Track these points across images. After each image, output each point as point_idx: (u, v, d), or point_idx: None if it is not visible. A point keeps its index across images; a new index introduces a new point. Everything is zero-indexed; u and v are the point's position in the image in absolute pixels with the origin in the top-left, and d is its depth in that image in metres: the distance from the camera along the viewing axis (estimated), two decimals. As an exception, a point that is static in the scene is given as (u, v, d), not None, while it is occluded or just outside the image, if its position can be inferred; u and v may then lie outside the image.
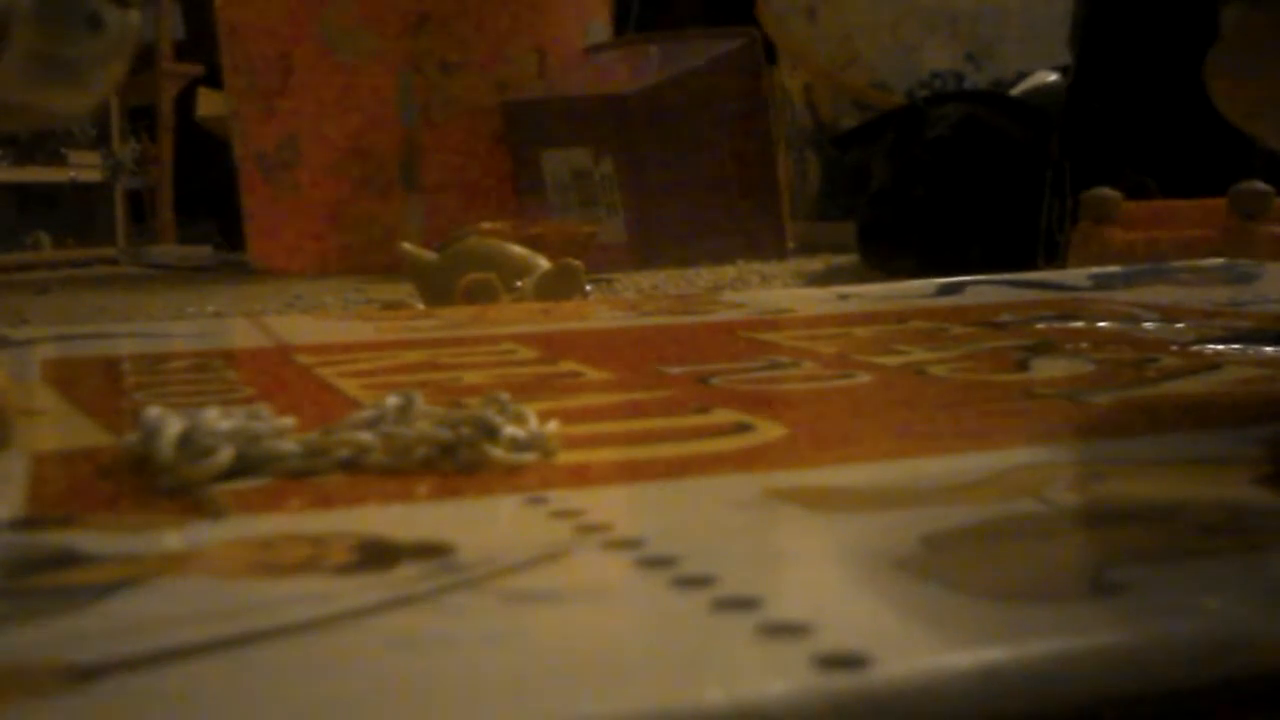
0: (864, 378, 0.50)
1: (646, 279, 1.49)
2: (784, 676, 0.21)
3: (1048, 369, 0.51)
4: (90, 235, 3.36)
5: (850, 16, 2.23)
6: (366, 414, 0.39)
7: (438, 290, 1.03)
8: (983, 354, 0.56)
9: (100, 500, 0.35)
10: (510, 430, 0.38)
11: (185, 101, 3.14)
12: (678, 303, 0.96)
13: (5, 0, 0.34)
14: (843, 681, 0.21)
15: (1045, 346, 0.57)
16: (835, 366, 0.54)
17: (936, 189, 1.60)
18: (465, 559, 0.28)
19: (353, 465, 0.37)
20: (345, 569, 0.28)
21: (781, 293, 1.09)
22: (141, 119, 3.39)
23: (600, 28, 2.12)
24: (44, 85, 0.36)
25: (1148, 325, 0.63)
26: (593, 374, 0.56)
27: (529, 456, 0.37)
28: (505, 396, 0.40)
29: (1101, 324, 0.65)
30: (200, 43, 2.92)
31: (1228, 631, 0.23)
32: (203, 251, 2.73)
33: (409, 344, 0.69)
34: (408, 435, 0.37)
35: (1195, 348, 0.55)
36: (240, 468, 0.36)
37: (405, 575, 0.27)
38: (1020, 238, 1.53)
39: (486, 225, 1.40)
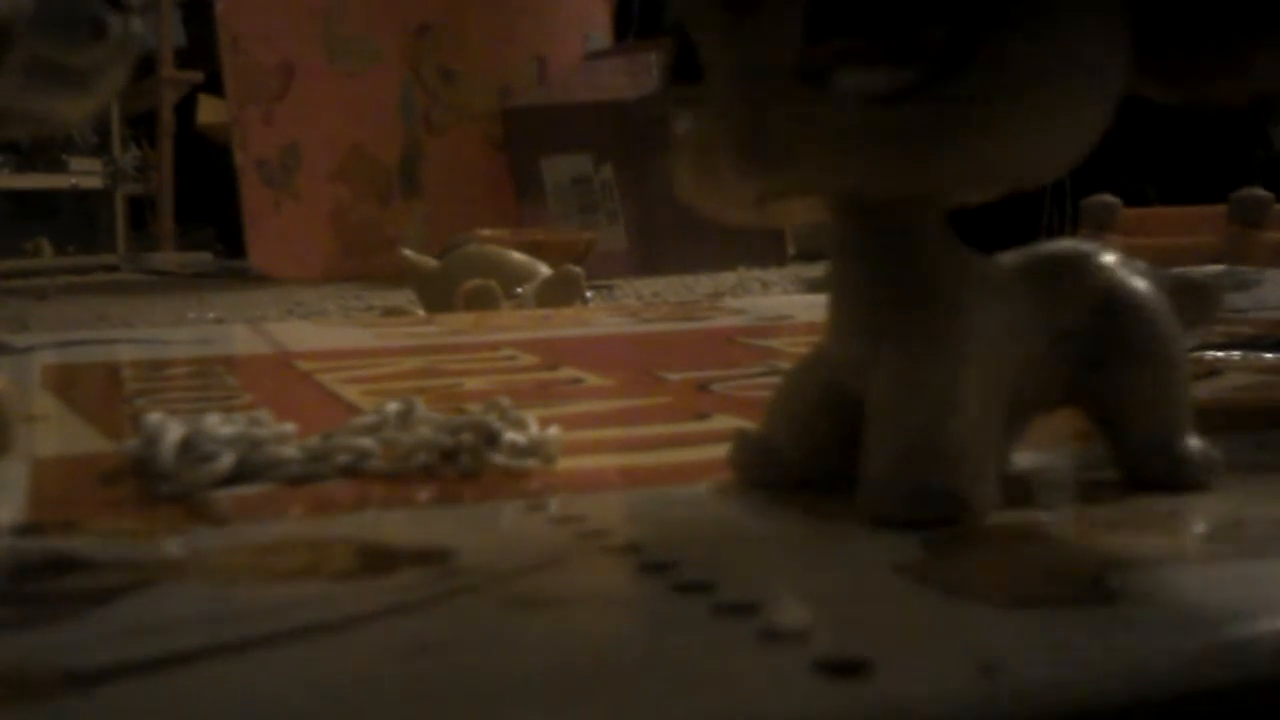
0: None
1: (647, 285, 1.49)
2: (784, 682, 0.21)
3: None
4: (91, 242, 3.36)
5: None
6: (367, 420, 0.39)
7: (438, 297, 1.03)
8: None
9: (101, 506, 0.35)
10: (510, 436, 0.38)
11: (186, 108, 3.14)
12: (678, 309, 0.97)
13: (7, 6, 0.34)
14: (843, 687, 0.21)
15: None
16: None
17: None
18: (466, 564, 0.28)
19: (353, 471, 0.37)
20: (346, 574, 0.28)
21: (781, 299, 1.09)
22: (142, 126, 3.39)
23: (600, 35, 2.12)
24: (46, 91, 0.36)
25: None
26: (593, 380, 0.56)
27: (529, 462, 0.37)
28: (506, 402, 0.40)
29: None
30: (201, 50, 2.92)
31: (1226, 638, 0.23)
32: (203, 258, 2.73)
33: (409, 350, 0.69)
34: (408, 441, 0.37)
35: (1195, 354, 0.55)
36: (241, 473, 0.36)
37: (406, 581, 0.27)
38: (1020, 245, 1.53)
39: (487, 232, 1.40)
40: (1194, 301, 0.37)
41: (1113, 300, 0.33)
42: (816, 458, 0.33)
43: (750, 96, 0.29)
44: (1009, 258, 0.33)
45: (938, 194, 0.31)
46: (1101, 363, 0.33)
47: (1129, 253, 0.35)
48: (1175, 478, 0.33)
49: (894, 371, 0.31)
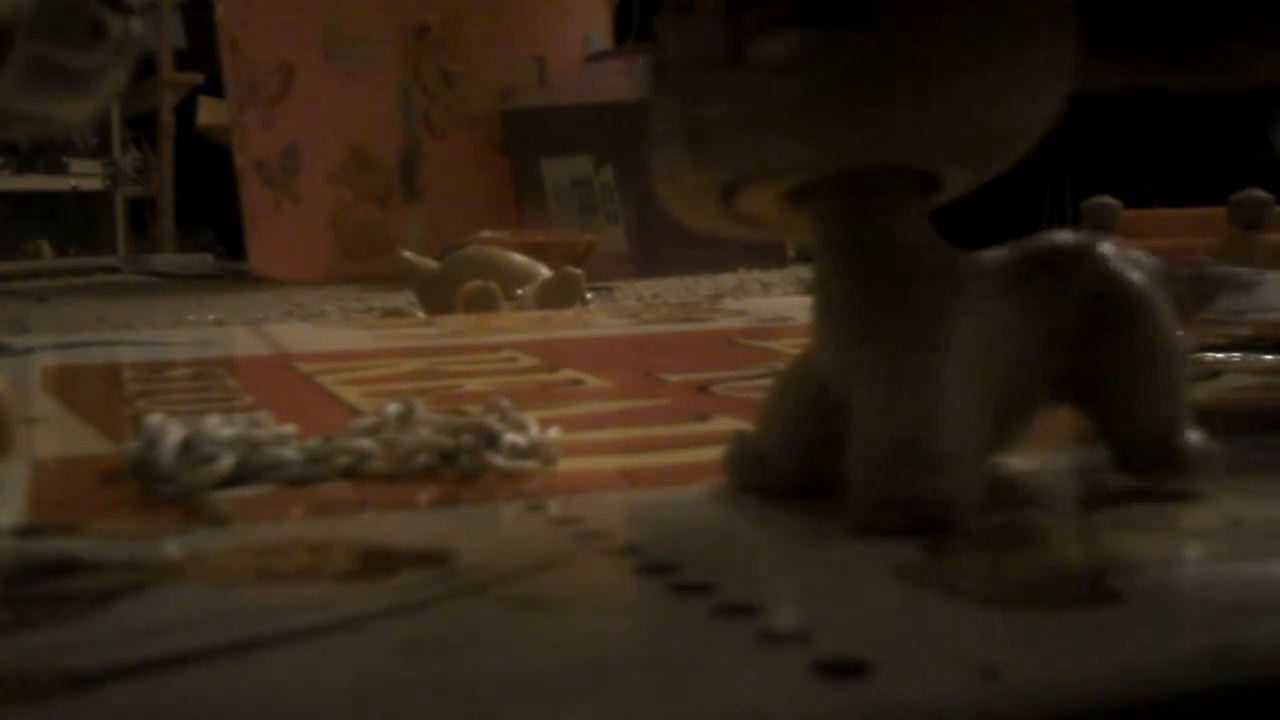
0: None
1: (647, 287, 1.49)
2: (783, 683, 0.21)
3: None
4: (91, 243, 3.36)
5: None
6: (367, 421, 0.39)
7: (438, 298, 1.03)
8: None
9: (101, 507, 0.35)
10: (511, 437, 0.38)
11: (186, 110, 3.14)
12: (678, 310, 0.97)
13: (7, 7, 0.34)
14: (842, 688, 0.21)
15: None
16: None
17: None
18: (466, 566, 0.28)
19: (353, 472, 0.37)
20: (346, 576, 0.28)
21: (781, 300, 1.09)
22: (142, 127, 3.39)
23: (600, 36, 2.12)
24: (46, 93, 0.36)
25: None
26: (593, 381, 0.56)
27: (529, 464, 0.37)
28: (506, 404, 0.40)
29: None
30: (201, 51, 2.92)
31: (1225, 638, 0.23)
32: (203, 259, 2.73)
33: (409, 352, 0.69)
34: (408, 442, 0.37)
35: (1194, 355, 0.55)
36: (241, 475, 0.36)
37: (406, 582, 0.27)
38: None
39: (487, 234, 1.40)
40: (1192, 289, 0.36)
41: (1105, 292, 0.33)
42: (806, 461, 0.33)
43: (687, 89, 0.30)
44: (1000, 253, 0.33)
45: (884, 165, 0.30)
46: (1095, 356, 0.32)
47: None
48: (1172, 471, 0.32)
49: (876, 378, 0.30)
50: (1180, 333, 0.33)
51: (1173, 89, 0.35)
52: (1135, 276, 0.33)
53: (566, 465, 0.38)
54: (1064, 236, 0.34)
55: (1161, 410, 0.33)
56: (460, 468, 0.37)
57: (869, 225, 0.31)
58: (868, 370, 0.31)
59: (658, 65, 0.31)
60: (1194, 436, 0.33)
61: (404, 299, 1.24)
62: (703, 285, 1.49)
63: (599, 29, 2.12)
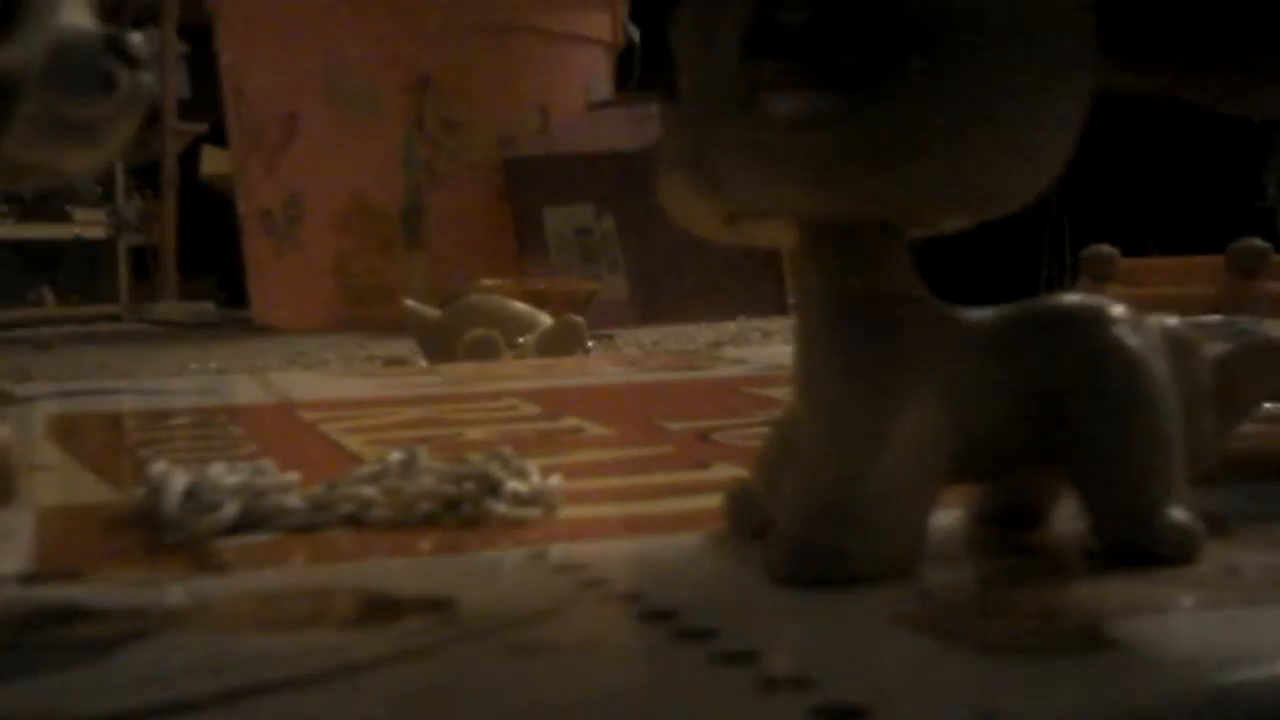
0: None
1: (648, 335, 1.50)
2: (783, 729, 0.21)
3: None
4: (94, 292, 3.37)
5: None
6: (370, 469, 0.39)
7: (440, 347, 1.03)
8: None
9: (106, 555, 0.35)
10: (513, 485, 0.38)
11: (189, 159, 3.16)
12: (679, 359, 0.97)
13: (19, 62, 0.35)
14: (841, 734, 0.21)
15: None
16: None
17: (934, 246, 1.60)
18: (468, 613, 0.28)
19: (356, 520, 0.37)
20: (349, 623, 0.28)
21: (782, 348, 1.09)
22: (145, 176, 3.40)
23: (602, 85, 2.13)
24: (56, 145, 0.36)
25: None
26: (594, 429, 0.57)
27: (531, 511, 0.37)
28: (508, 452, 0.40)
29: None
30: (205, 101, 2.93)
31: (1222, 684, 0.23)
32: (206, 308, 2.74)
33: (411, 400, 0.69)
34: (411, 490, 0.38)
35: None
36: (245, 522, 0.36)
37: (408, 629, 0.27)
38: (1019, 295, 1.53)
39: (488, 282, 1.40)
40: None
41: (1095, 355, 0.31)
42: None
43: (695, 119, 0.30)
44: (998, 311, 0.32)
45: (891, 218, 0.30)
46: (1077, 419, 0.31)
47: (1128, 302, 0.34)
48: (1149, 550, 0.31)
49: (820, 422, 0.30)
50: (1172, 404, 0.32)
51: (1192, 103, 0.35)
52: (1131, 341, 0.32)
53: (568, 513, 0.38)
54: (1072, 296, 0.33)
55: (1144, 483, 0.31)
56: (462, 515, 0.37)
57: (851, 272, 0.31)
58: (816, 414, 0.31)
59: (676, 86, 0.31)
60: (1178, 514, 0.31)
61: (406, 347, 1.24)
62: (703, 333, 1.49)
63: (600, 78, 2.14)
